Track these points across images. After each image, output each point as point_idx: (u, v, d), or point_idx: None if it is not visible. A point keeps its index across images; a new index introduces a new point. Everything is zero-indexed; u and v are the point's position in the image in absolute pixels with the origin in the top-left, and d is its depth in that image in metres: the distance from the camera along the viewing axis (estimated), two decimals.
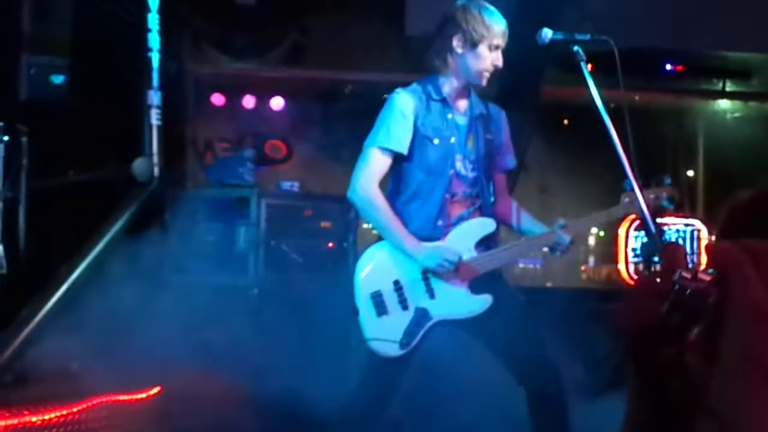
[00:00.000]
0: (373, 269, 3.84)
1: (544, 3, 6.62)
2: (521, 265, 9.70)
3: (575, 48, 3.72)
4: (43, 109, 6.68)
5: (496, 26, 3.88)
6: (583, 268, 10.47)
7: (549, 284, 9.79)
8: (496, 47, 3.89)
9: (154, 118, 5.93)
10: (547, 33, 3.73)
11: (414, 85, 3.95)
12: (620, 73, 3.64)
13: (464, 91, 3.99)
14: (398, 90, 3.92)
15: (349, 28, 7.70)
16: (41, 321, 5.24)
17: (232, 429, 4.97)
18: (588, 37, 3.73)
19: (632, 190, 3.67)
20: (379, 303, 3.78)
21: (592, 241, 10.57)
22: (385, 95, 3.95)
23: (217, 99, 9.20)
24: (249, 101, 9.23)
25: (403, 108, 3.86)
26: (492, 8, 3.94)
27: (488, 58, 3.88)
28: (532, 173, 8.50)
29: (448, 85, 3.95)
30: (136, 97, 6.03)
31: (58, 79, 7.27)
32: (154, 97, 5.94)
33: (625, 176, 3.57)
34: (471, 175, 3.95)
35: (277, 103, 9.19)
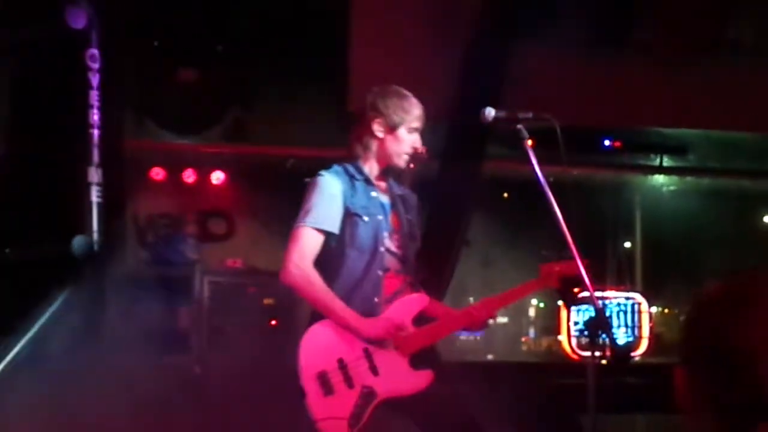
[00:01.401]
0: (316, 350, 3.80)
1: (487, 82, 6.73)
2: (462, 338, 9.68)
3: (518, 126, 3.79)
4: None
5: (414, 110, 3.99)
6: (523, 339, 10.49)
7: (490, 357, 9.78)
8: (415, 129, 3.99)
9: (95, 195, 5.87)
10: (491, 111, 3.80)
11: (336, 167, 3.99)
12: (562, 149, 3.70)
13: (384, 173, 4.06)
14: (322, 172, 3.95)
15: (291, 103, 7.75)
16: None
17: None
18: (530, 115, 3.80)
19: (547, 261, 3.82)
20: (324, 383, 3.74)
21: (532, 312, 10.62)
22: (306, 179, 3.98)
23: (157, 174, 9.11)
24: (189, 176, 9.17)
25: (331, 188, 3.89)
26: (407, 93, 4.03)
27: (408, 141, 3.98)
28: (474, 247, 8.55)
29: (369, 167, 4.01)
30: (76, 173, 5.97)
31: None
32: (95, 175, 5.89)
33: (566, 249, 3.62)
34: (399, 252, 3.99)
35: (218, 177, 9.14)
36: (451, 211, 7.41)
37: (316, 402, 3.72)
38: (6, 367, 5.34)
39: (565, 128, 3.73)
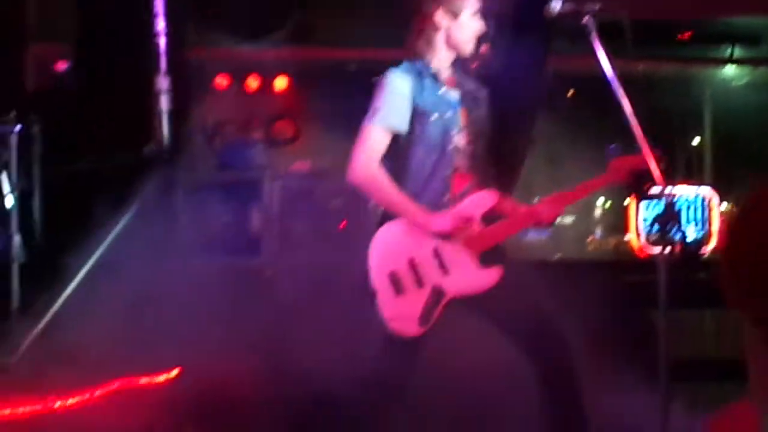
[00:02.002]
0: (387, 250, 3.82)
1: None
2: (530, 237, 9.68)
3: (584, 19, 3.73)
4: (51, 98, 6.68)
5: None
6: (589, 239, 10.44)
7: (558, 255, 9.78)
8: (476, 13, 3.91)
9: (164, 103, 5.92)
10: (556, 4, 3.74)
11: (404, 65, 3.94)
12: (630, 43, 3.64)
13: (452, 67, 4.00)
14: (391, 70, 3.92)
15: (353, 4, 7.67)
16: (60, 308, 5.27)
17: (248, 411, 4.98)
18: (597, 7, 3.73)
19: (617, 156, 3.77)
20: (395, 282, 3.78)
21: (598, 212, 10.56)
22: (374, 78, 3.94)
23: (222, 81, 9.12)
24: (253, 82, 9.16)
25: (400, 86, 3.85)
26: None
27: (471, 26, 3.90)
28: (539, 145, 8.48)
29: (436, 62, 3.95)
30: (144, 82, 6.02)
31: (63, 66, 7.28)
32: (163, 83, 5.93)
33: (633, 144, 3.60)
34: (468, 149, 3.95)
35: (281, 83, 9.13)
36: (518, 109, 7.34)
37: (387, 301, 3.77)
38: (83, 276, 5.48)
39: (633, 20, 3.67)
